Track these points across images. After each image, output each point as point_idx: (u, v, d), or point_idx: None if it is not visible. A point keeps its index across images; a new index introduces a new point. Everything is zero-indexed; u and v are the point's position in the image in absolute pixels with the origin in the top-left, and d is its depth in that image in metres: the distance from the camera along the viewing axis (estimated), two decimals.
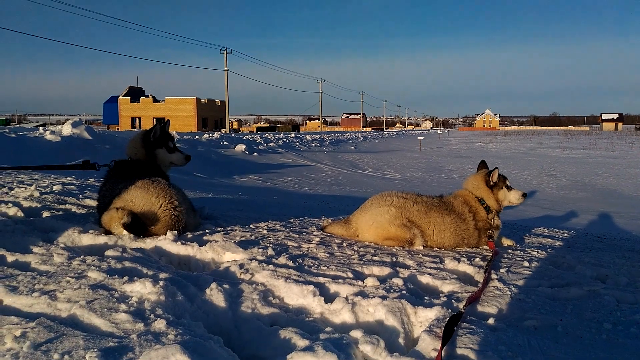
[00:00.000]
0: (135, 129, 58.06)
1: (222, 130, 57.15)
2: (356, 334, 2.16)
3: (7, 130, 18.11)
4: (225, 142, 23.72)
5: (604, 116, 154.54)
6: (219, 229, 4.08)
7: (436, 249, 3.90)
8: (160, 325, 2.06)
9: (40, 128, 18.83)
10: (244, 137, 28.83)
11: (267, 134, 36.78)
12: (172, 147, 4.39)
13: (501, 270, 3.29)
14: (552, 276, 3.21)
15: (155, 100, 73.35)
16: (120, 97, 74.00)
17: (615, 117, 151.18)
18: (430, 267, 3.26)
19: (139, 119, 71.64)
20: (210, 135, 27.01)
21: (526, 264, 3.50)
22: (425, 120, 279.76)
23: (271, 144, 27.61)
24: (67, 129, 15.32)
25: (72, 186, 6.09)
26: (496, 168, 4.20)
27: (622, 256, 4.05)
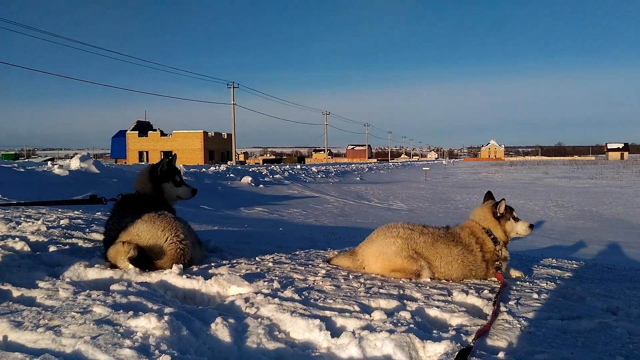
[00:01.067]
0: (143, 163, 58.61)
1: (229, 162, 57.53)
2: None
3: (15, 164, 18.34)
4: (231, 175, 23.85)
5: (610, 145, 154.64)
6: (224, 261, 4.07)
7: (444, 280, 3.86)
8: None
9: (49, 162, 19.06)
10: (250, 169, 28.98)
11: (273, 166, 36.99)
12: (178, 181, 4.43)
13: (510, 303, 3.24)
14: (562, 308, 3.17)
15: (162, 134, 74.24)
16: (128, 132, 74.97)
17: (620, 147, 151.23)
18: (438, 300, 3.22)
19: (147, 152, 72.37)
20: (217, 167, 27.20)
21: (535, 295, 3.45)
22: (430, 151, 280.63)
23: (277, 176, 27.72)
24: (75, 163, 15.49)
25: (79, 220, 6.12)
26: (503, 199, 4.19)
27: (632, 287, 3.98)
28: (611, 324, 2.84)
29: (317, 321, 2.63)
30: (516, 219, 4.20)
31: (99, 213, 7.19)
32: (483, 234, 4.12)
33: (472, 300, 3.31)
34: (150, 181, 4.33)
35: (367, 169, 53.86)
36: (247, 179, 22.51)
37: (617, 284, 4.15)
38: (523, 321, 2.85)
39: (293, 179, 28.46)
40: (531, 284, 3.86)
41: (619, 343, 2.57)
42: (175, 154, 4.58)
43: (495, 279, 3.97)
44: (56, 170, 14.53)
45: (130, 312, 2.56)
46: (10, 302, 2.76)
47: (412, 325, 2.64)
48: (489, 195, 4.47)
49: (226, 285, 3.34)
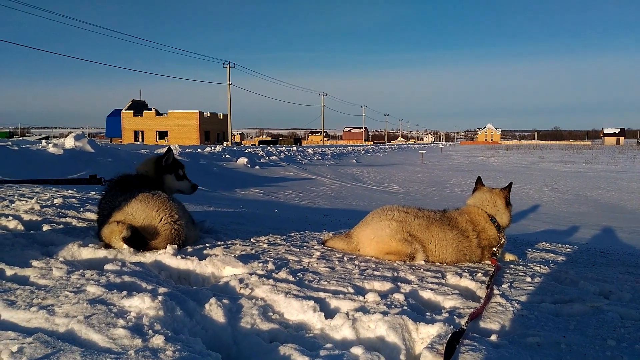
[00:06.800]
0: (138, 142, 58.34)
1: (224, 143, 57.35)
2: (357, 350, 2.13)
3: (10, 142, 18.20)
4: (227, 155, 23.80)
5: (606, 130, 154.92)
6: (219, 242, 4.06)
7: (438, 263, 3.87)
8: (158, 341, 2.04)
9: (43, 141, 18.90)
10: (246, 151, 28.88)
11: (269, 147, 36.89)
12: (181, 175, 4.51)
13: (503, 286, 3.26)
14: (555, 292, 3.18)
15: (158, 113, 73.79)
16: (123, 111, 74.44)
17: (616, 132, 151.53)
18: (432, 282, 3.23)
19: (142, 132, 72.02)
20: (213, 148, 27.10)
21: (529, 279, 3.47)
22: (427, 134, 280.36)
23: (273, 157, 27.66)
24: (69, 142, 15.40)
25: (73, 199, 6.09)
26: (511, 183, 4.18)
27: (625, 271, 4.01)
28: (603, 308, 2.86)
29: (311, 302, 2.63)
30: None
31: (93, 192, 7.16)
32: (487, 220, 4.07)
33: (466, 283, 3.32)
34: (155, 171, 4.40)
35: (363, 152, 53.80)
36: (242, 160, 22.47)
37: (610, 268, 4.17)
38: (516, 304, 2.87)
39: (289, 160, 28.42)
40: (525, 268, 3.88)
41: (610, 327, 2.58)
42: (172, 151, 4.57)
43: (490, 262, 3.98)
44: (51, 148, 14.44)
45: (124, 292, 2.55)
46: (4, 281, 2.75)
47: (405, 307, 2.65)
48: (479, 181, 4.40)
49: (221, 266, 3.34)
